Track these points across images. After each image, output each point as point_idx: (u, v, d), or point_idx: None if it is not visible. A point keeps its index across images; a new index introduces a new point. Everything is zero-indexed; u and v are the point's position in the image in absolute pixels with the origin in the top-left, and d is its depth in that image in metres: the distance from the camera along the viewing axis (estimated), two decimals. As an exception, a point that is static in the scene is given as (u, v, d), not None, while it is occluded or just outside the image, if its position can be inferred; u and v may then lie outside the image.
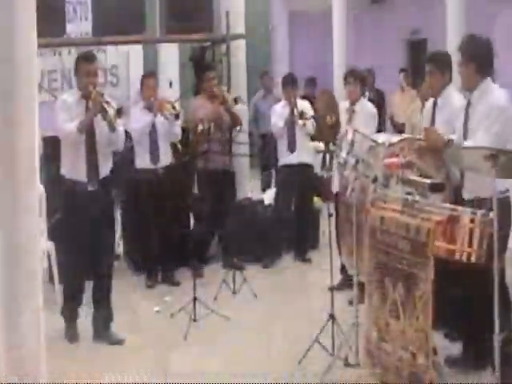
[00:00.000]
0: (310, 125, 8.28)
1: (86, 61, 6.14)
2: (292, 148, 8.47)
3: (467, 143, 4.80)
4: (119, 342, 6.14)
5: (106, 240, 6.35)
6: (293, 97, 8.43)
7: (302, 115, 8.25)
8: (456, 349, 5.32)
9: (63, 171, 6.22)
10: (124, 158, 8.49)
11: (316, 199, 8.82)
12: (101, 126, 6.09)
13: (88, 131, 6.06)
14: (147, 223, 7.92)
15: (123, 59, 13.41)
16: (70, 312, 6.34)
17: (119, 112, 6.13)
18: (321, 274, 5.58)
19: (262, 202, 9.24)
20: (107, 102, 6.08)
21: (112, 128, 6.06)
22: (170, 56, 12.98)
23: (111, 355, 5.98)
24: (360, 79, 7.47)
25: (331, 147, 5.62)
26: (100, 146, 6.14)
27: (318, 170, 8.69)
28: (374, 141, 5.20)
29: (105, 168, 6.23)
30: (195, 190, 8.09)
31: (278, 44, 16.83)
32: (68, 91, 6.71)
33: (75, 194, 6.12)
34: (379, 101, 11.90)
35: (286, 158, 8.58)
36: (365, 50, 14.23)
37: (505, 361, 4.52)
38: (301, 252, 8.66)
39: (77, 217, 6.11)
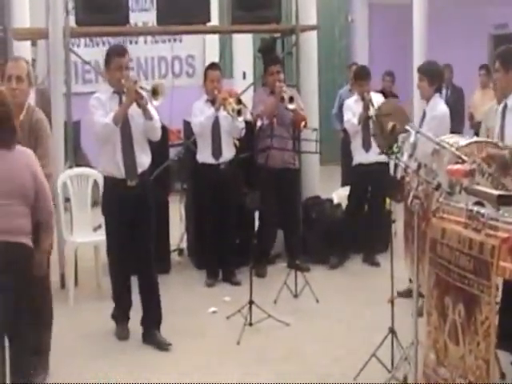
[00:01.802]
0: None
1: (117, 55, 5.92)
2: (367, 146, 8.09)
3: None
4: (166, 348, 5.92)
5: (150, 236, 6.13)
6: (366, 91, 8.05)
7: (367, 108, 7.86)
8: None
9: (101, 170, 6.08)
10: (187, 152, 8.36)
11: (389, 201, 8.42)
12: (136, 118, 5.89)
13: (124, 124, 5.85)
14: (209, 219, 7.70)
15: (199, 49, 13.29)
16: (118, 313, 6.21)
17: (154, 92, 5.85)
18: (389, 280, 5.26)
19: (331, 200, 8.92)
20: (142, 88, 5.85)
21: (148, 116, 5.84)
22: (245, 46, 12.73)
23: (158, 358, 5.81)
24: (431, 75, 7.04)
25: (394, 149, 5.23)
26: (136, 137, 5.94)
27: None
28: (439, 143, 4.81)
29: (143, 161, 6.03)
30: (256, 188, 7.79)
31: (357, 37, 16.44)
32: (99, 88, 6.49)
33: (115, 191, 5.95)
34: (457, 98, 11.42)
35: (360, 156, 8.21)
36: (446, 45, 13.71)
37: None
38: (369, 255, 8.32)
39: (119, 214, 5.93)
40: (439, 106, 7.10)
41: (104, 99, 5.95)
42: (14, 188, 4.43)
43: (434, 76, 7.08)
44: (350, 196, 8.45)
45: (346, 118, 8.24)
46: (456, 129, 9.86)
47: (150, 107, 5.86)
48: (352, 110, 8.16)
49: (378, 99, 8.12)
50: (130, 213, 5.90)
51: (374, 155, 7.80)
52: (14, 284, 4.37)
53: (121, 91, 5.92)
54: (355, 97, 8.28)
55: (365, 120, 7.89)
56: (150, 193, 6.10)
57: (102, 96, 5.99)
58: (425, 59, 11.84)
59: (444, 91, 11.52)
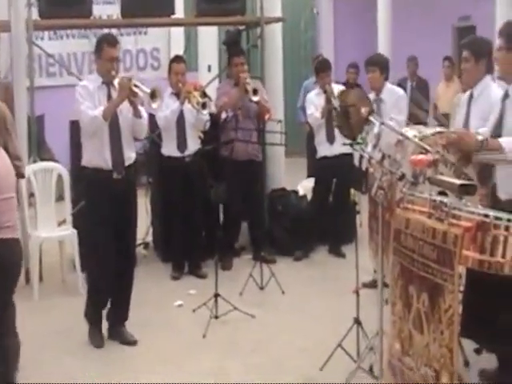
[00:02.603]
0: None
1: (109, 45, 5.79)
2: (332, 139, 8.09)
3: (503, 141, 4.40)
4: (132, 343, 5.88)
5: (132, 230, 6.09)
6: (328, 83, 8.06)
7: (329, 101, 7.89)
8: (493, 361, 4.97)
9: (85, 161, 5.93)
10: (153, 145, 8.32)
11: (353, 192, 8.44)
12: (124, 113, 5.82)
13: (112, 117, 5.77)
14: (174, 212, 7.68)
15: (164, 42, 13.25)
16: (92, 313, 6.02)
17: (153, 96, 5.82)
18: (354, 271, 5.27)
19: (296, 192, 8.93)
20: (136, 86, 5.79)
21: (138, 114, 5.81)
22: (210, 39, 12.69)
23: (126, 351, 5.79)
24: (381, 65, 7.28)
25: (359, 140, 5.25)
26: (124, 131, 5.87)
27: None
28: (403, 134, 4.82)
29: (130, 155, 5.96)
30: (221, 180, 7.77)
31: (322, 29, 16.47)
32: (88, 77, 6.39)
33: (100, 183, 5.83)
34: (422, 90, 11.50)
35: (325, 149, 8.21)
36: (411, 37, 13.80)
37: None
38: (335, 246, 8.34)
39: (103, 206, 5.81)
40: (396, 89, 7.47)
41: (92, 89, 5.83)
42: (13, 182, 4.44)
43: (384, 66, 7.34)
44: (314, 189, 8.46)
45: (308, 112, 8.24)
46: (422, 120, 9.96)
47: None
48: (314, 103, 8.16)
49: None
50: (114, 207, 5.80)
51: (338, 147, 7.84)
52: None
53: (110, 82, 5.84)
54: (317, 90, 8.29)
55: (328, 113, 7.90)
56: (134, 188, 6.04)
57: (89, 85, 5.86)
58: (390, 51, 12.01)
59: (409, 83, 11.62)
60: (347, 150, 7.76)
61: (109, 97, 5.85)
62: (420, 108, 11.10)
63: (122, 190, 5.84)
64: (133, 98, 5.74)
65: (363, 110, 5.91)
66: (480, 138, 4.55)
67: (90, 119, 5.71)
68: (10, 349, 4.53)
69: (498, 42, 4.69)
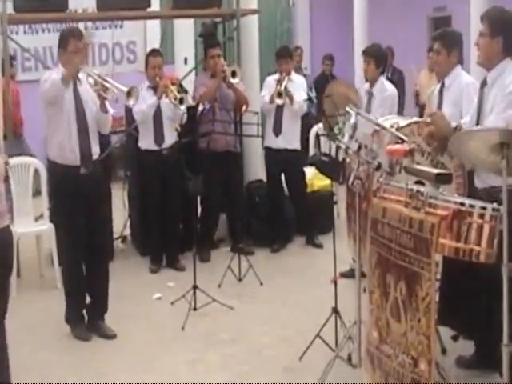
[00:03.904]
0: (300, 105, 8.00)
1: (74, 37, 5.73)
2: (277, 130, 8.15)
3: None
4: (110, 337, 5.87)
5: (103, 224, 6.10)
6: (286, 71, 8.09)
7: (280, 95, 7.94)
8: (470, 348, 5.02)
9: (52, 156, 5.89)
10: (130, 139, 8.29)
11: (330, 182, 8.45)
12: (90, 106, 5.80)
13: (79, 111, 5.75)
14: (151, 206, 7.66)
15: (140, 35, 13.16)
16: (72, 314, 5.99)
17: (129, 94, 5.81)
18: (332, 261, 5.30)
19: (260, 181, 8.92)
20: (106, 81, 5.77)
21: (104, 109, 5.79)
22: (186, 32, 12.65)
23: (104, 345, 5.78)
24: (377, 57, 7.16)
25: (336, 130, 5.27)
26: (90, 124, 5.84)
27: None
28: (379, 124, 4.84)
29: (96, 149, 5.93)
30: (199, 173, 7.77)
31: (298, 21, 16.46)
32: (53, 69, 6.32)
33: (69, 178, 5.79)
34: (398, 81, 11.54)
35: (270, 139, 8.27)
36: (386, 28, 13.84)
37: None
38: (312, 237, 8.37)
39: (72, 202, 5.79)
40: (389, 87, 7.28)
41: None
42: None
43: (380, 58, 7.26)
44: (267, 178, 8.52)
45: (261, 93, 8.28)
46: (397, 110, 9.98)
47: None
48: (269, 87, 8.18)
49: (298, 81, 8.27)
50: (83, 202, 5.78)
51: (283, 142, 7.92)
52: None
53: (75, 76, 5.78)
54: (276, 75, 8.25)
55: (277, 107, 8.01)
56: (102, 180, 6.04)
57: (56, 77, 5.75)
58: (365, 42, 12.02)
59: (385, 73, 11.65)
60: (292, 145, 7.87)
61: (74, 90, 5.79)
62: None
63: (90, 185, 5.82)
64: (103, 93, 5.72)
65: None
66: (453, 124, 4.60)
67: (50, 83, 5.59)
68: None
69: (480, 27, 4.68)
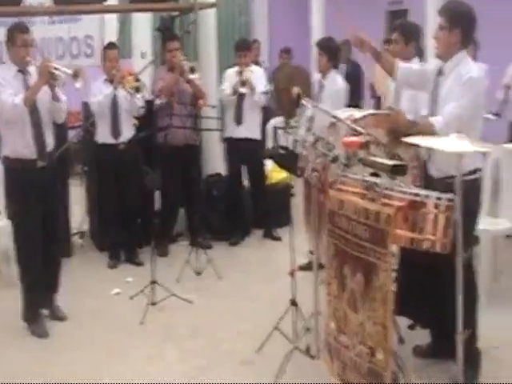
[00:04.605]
0: (260, 96, 8.02)
1: (21, 31, 5.69)
2: (238, 120, 8.17)
3: (433, 120, 4.47)
4: (60, 319, 5.95)
5: (58, 215, 6.09)
6: (244, 64, 8.12)
7: (243, 83, 7.94)
8: (426, 337, 5.09)
9: (7, 152, 5.82)
10: (87, 134, 8.22)
11: (288, 175, 8.47)
12: (42, 97, 5.72)
13: (32, 103, 5.68)
14: (109, 200, 7.61)
15: (97, 29, 13.05)
16: (31, 313, 5.94)
17: (75, 75, 5.73)
18: (290, 254, 5.32)
19: (219, 174, 8.93)
20: (56, 69, 5.70)
21: (56, 98, 5.74)
22: (143, 26, 12.56)
23: (63, 340, 5.72)
24: (329, 50, 7.23)
25: (293, 123, 5.29)
26: (44, 117, 5.79)
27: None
28: (335, 117, 4.86)
29: (50, 141, 5.88)
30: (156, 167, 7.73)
31: (256, 14, 16.45)
32: (1, 66, 6.27)
33: (26, 173, 5.73)
34: (355, 74, 11.61)
35: (231, 130, 8.28)
36: (343, 20, 13.86)
37: (470, 358, 4.28)
38: (270, 229, 8.39)
39: (29, 196, 5.74)
40: (339, 81, 7.33)
41: (9, 77, 5.71)
42: None
43: (333, 52, 7.30)
44: (228, 170, 8.54)
45: (222, 87, 8.29)
46: (355, 103, 10.04)
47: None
48: (230, 79, 8.19)
49: (258, 72, 8.30)
50: (39, 195, 5.74)
51: (244, 131, 7.93)
52: None
53: (25, 70, 5.73)
54: (236, 68, 8.26)
55: (238, 97, 8.00)
56: (56, 174, 5.98)
57: (5, 73, 5.74)
58: (323, 35, 12.05)
59: (343, 67, 11.72)
60: (253, 135, 7.89)
61: (25, 85, 5.75)
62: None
63: (46, 178, 5.80)
64: (52, 81, 5.66)
65: (295, 90, 5.97)
66: (411, 117, 4.64)
67: (11, 107, 5.59)
68: None
69: (438, 20, 4.72)
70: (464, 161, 4.10)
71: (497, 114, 8.24)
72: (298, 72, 6.66)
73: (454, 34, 4.59)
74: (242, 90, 7.94)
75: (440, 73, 4.70)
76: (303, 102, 5.23)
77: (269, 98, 8.41)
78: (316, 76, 7.41)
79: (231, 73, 8.25)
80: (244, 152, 8.20)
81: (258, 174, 8.42)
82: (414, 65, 5.06)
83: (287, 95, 6.10)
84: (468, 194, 4.06)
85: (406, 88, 5.35)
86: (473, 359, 4.54)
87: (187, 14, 8.99)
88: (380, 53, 5.07)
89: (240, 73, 8.04)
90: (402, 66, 5.00)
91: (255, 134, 8.25)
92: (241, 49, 8.24)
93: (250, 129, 8.17)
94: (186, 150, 7.79)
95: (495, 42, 10.25)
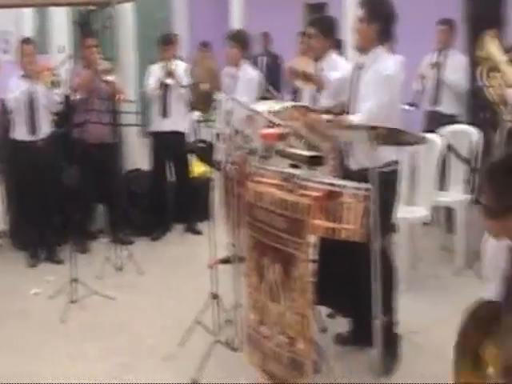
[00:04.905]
0: (185, 89, 8.02)
1: None
2: (164, 112, 8.14)
3: (352, 118, 4.53)
4: None
5: None
6: (168, 58, 8.10)
7: (169, 74, 7.92)
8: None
9: None
10: (3, 131, 8.05)
11: (208, 169, 8.44)
12: None
13: None
14: (27, 198, 7.46)
15: (15, 24, 12.83)
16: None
17: None
18: (210, 247, 5.32)
19: (138, 170, 8.94)
20: None
21: None
22: (61, 20, 12.40)
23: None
24: (241, 42, 7.36)
25: (211, 116, 5.28)
26: None
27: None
28: (253, 109, 4.87)
29: None
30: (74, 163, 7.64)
31: (175, 8, 16.38)
32: None
33: None
34: (274, 66, 11.70)
35: (157, 123, 8.26)
36: (263, 14, 13.93)
37: (389, 344, 4.35)
38: (191, 224, 8.38)
39: None
40: (251, 71, 7.49)
41: None
42: None
43: (244, 43, 7.41)
44: (152, 166, 8.48)
45: (147, 82, 8.25)
46: (276, 95, 10.08)
47: None
48: (155, 74, 8.18)
49: (182, 66, 8.28)
50: None
51: (170, 124, 7.91)
52: None
53: None
54: (160, 63, 8.25)
55: (164, 89, 7.97)
56: None
57: None
58: (243, 27, 12.07)
59: (263, 59, 11.80)
60: (179, 127, 7.90)
61: None
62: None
63: None
64: None
65: (203, 86, 5.96)
66: (326, 117, 4.68)
67: None
68: None
69: (358, 12, 4.75)
70: (379, 153, 4.19)
71: (413, 105, 8.36)
72: (210, 68, 6.68)
73: (372, 28, 4.66)
74: (168, 80, 7.92)
75: (359, 67, 4.77)
76: (216, 96, 5.23)
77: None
78: (227, 69, 7.48)
79: (156, 68, 8.23)
80: (170, 145, 8.17)
81: (183, 167, 8.40)
82: (337, 74, 5.07)
83: (203, 89, 6.10)
84: (384, 185, 4.12)
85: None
86: (392, 345, 4.62)
87: (105, 8, 8.90)
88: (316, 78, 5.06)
89: (165, 66, 8.01)
90: (332, 79, 5.03)
91: (181, 127, 8.24)
92: (165, 43, 8.23)
93: (175, 122, 8.17)
94: (103, 146, 7.67)
95: (412, 34, 10.45)
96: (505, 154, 3.07)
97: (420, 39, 8.94)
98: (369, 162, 4.07)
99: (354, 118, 4.54)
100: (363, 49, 4.75)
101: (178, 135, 8.12)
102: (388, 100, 4.55)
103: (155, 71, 8.20)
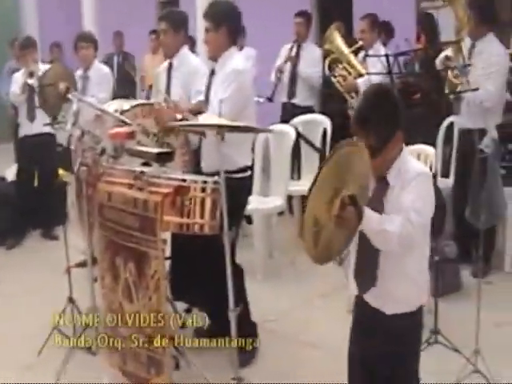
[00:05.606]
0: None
1: None
2: (32, 116, 7.95)
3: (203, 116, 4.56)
4: None
5: None
6: (31, 61, 7.86)
7: (31, 74, 7.72)
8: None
9: None
10: None
11: (64, 172, 8.28)
12: None
13: None
14: None
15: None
16: None
17: None
18: (69, 252, 5.21)
19: (3, 179, 8.76)
20: None
21: None
22: None
23: None
24: (94, 43, 7.50)
25: (60, 118, 5.19)
26: None
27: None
28: (101, 109, 4.81)
29: None
30: None
31: (26, 10, 15.97)
32: None
33: None
34: (129, 64, 11.61)
35: (26, 128, 8.06)
36: (115, 13, 13.80)
37: (246, 332, 4.42)
38: (48, 229, 8.22)
39: None
40: (103, 67, 7.70)
41: None
42: None
43: (96, 43, 7.60)
44: (18, 171, 8.27)
45: (11, 90, 8.05)
46: (129, 94, 10.02)
47: None
48: (18, 81, 7.95)
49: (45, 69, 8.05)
50: None
51: (39, 126, 7.73)
52: None
53: None
54: (23, 70, 8.01)
55: (29, 90, 7.75)
56: None
57: None
58: (95, 27, 11.95)
59: (116, 58, 11.69)
60: (49, 129, 7.72)
61: None
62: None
63: None
64: None
65: (61, 86, 5.87)
66: (178, 116, 4.68)
67: None
68: None
69: (205, 24, 4.80)
70: (233, 158, 4.26)
71: (269, 99, 8.47)
72: (65, 67, 6.59)
73: (220, 34, 4.73)
74: (30, 81, 7.66)
75: (213, 73, 4.82)
76: (70, 96, 5.15)
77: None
78: (79, 71, 7.48)
79: (19, 75, 8.00)
80: (37, 147, 7.93)
81: (48, 171, 8.15)
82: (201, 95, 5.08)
83: (54, 91, 5.97)
84: (234, 191, 4.17)
85: None
86: (249, 333, 4.70)
87: None
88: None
89: (27, 69, 7.78)
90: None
91: (46, 128, 8.01)
92: (26, 47, 7.97)
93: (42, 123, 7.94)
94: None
95: (267, 27, 10.63)
96: (364, 100, 3.15)
97: (279, 30, 9.12)
98: (220, 166, 4.06)
99: (205, 115, 4.57)
100: (216, 57, 4.82)
101: (44, 136, 7.74)
102: (236, 96, 4.59)
103: (18, 78, 7.97)
